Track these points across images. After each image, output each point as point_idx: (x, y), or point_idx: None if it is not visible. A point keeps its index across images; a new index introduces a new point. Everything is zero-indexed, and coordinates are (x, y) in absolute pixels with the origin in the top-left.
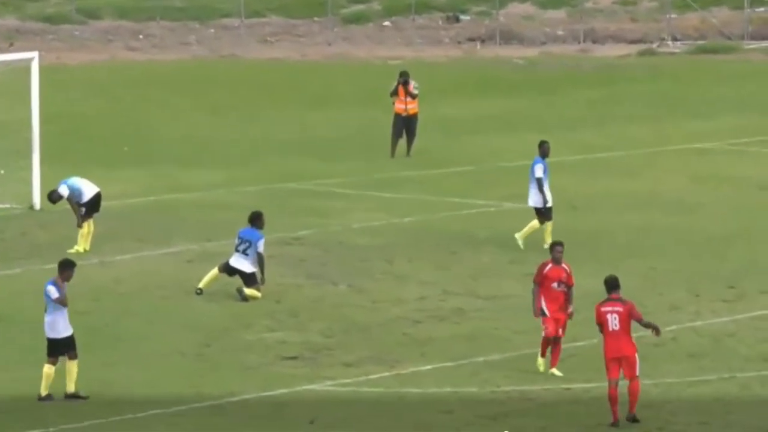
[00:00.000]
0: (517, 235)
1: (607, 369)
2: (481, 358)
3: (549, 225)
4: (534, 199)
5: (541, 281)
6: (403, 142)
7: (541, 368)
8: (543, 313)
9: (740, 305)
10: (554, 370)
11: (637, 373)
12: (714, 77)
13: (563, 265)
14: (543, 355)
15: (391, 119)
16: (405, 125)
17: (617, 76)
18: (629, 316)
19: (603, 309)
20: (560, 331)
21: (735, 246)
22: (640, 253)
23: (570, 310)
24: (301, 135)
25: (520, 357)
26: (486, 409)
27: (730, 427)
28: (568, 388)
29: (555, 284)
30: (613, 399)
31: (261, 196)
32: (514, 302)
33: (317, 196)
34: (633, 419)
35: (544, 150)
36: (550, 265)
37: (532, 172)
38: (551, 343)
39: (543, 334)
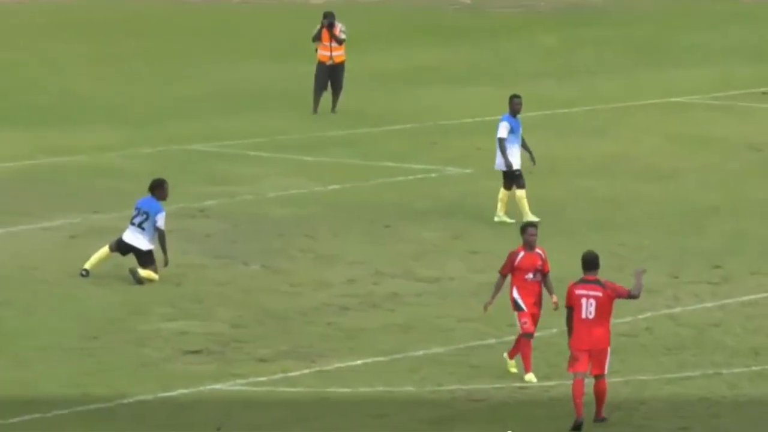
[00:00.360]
0: (496, 217)
1: (574, 360)
2: (420, 352)
3: (521, 195)
4: (498, 162)
5: (511, 272)
6: (327, 95)
7: (513, 369)
8: (518, 307)
9: (727, 288)
10: (529, 376)
11: (606, 371)
12: (696, 20)
13: (537, 250)
14: (513, 356)
15: (313, 69)
16: (330, 76)
17: (581, 19)
18: (610, 301)
19: (578, 291)
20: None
21: (720, 218)
22: (608, 227)
23: (554, 299)
24: (206, 89)
25: (466, 350)
26: (426, 412)
27: None
28: (523, 387)
29: (530, 275)
30: (578, 392)
31: (159, 161)
32: (458, 286)
33: (226, 160)
34: (600, 419)
35: (513, 106)
36: (522, 253)
37: (497, 131)
38: (530, 344)
39: (520, 330)
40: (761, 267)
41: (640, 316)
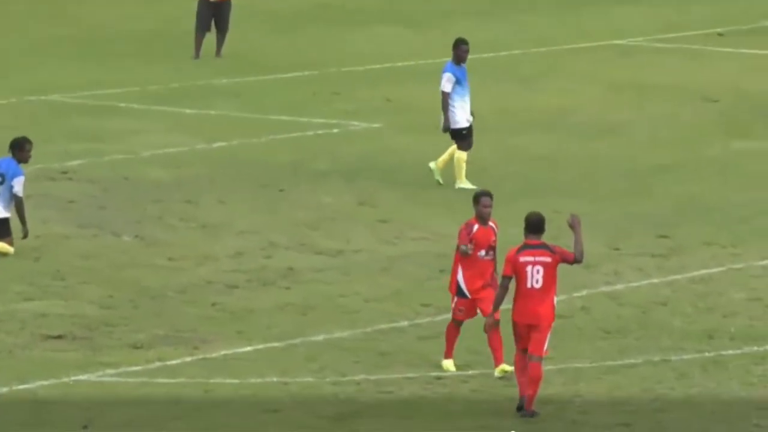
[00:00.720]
0: (457, 185)
1: (516, 337)
2: (320, 337)
3: (462, 157)
4: (451, 120)
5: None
6: (211, 37)
7: (452, 369)
8: (461, 294)
9: (675, 262)
10: (504, 366)
11: (544, 355)
12: None
13: (491, 223)
14: (450, 353)
15: (194, 7)
16: (214, 14)
17: None
18: (556, 267)
19: (522, 258)
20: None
21: (669, 179)
22: (540, 190)
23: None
24: (68, 30)
25: (373, 335)
26: (326, 406)
27: (661, 431)
28: (439, 378)
29: (482, 252)
30: (522, 369)
31: (12, 113)
32: (365, 259)
33: (91, 113)
34: (529, 416)
35: (459, 53)
36: (476, 226)
37: (440, 83)
38: (450, 327)
39: (452, 316)
40: (715, 236)
41: (576, 294)
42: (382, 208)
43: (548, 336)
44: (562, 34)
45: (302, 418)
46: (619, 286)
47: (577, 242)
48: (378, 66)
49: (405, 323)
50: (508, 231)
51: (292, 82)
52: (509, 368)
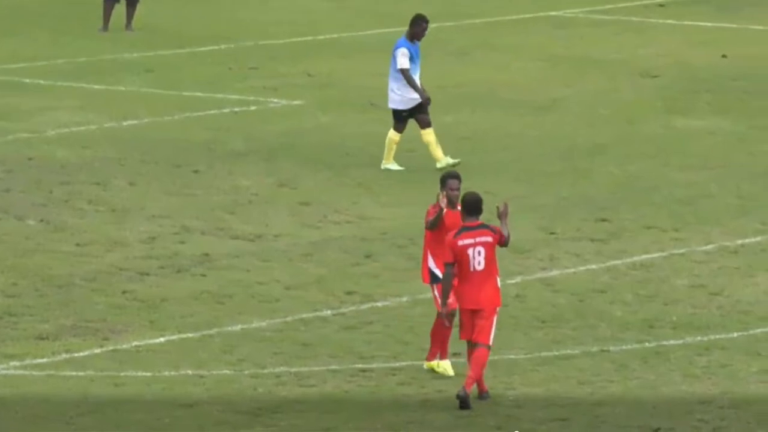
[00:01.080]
0: (438, 164)
1: (460, 326)
2: (237, 327)
3: (430, 135)
4: (394, 99)
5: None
6: (121, 8)
7: (450, 371)
8: (435, 279)
9: (615, 246)
10: (433, 364)
11: (491, 342)
12: None
13: (459, 206)
14: (445, 353)
15: None
16: None
17: None
18: (495, 247)
19: (462, 242)
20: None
21: (607, 159)
22: (471, 171)
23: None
24: None
25: (295, 324)
26: (245, 401)
27: (596, 427)
28: (365, 370)
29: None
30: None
31: None
32: (285, 245)
33: None
34: (463, 400)
35: (416, 31)
36: (444, 209)
37: (394, 60)
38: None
39: (439, 310)
40: (656, 220)
41: (509, 281)
42: (304, 191)
43: (494, 322)
44: (495, 5)
45: (219, 413)
46: (554, 273)
47: (504, 227)
48: (298, 39)
49: (328, 312)
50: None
51: (207, 57)
52: (446, 369)
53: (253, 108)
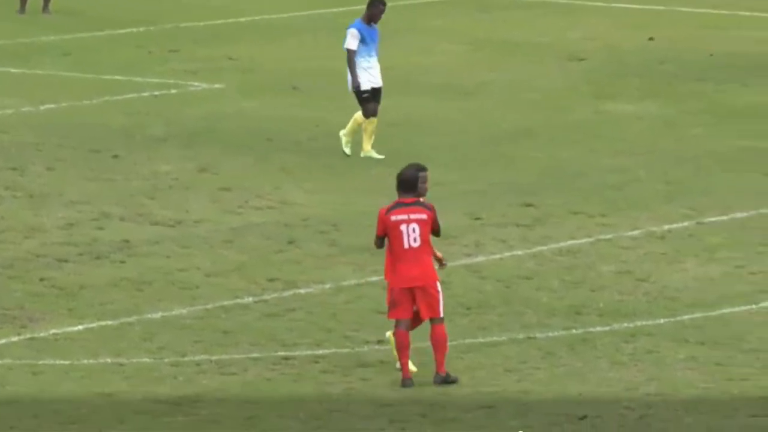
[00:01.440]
0: (363, 154)
1: (395, 305)
2: (157, 314)
3: (371, 124)
4: (349, 80)
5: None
6: None
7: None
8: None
9: (541, 232)
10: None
11: (442, 314)
12: None
13: (423, 200)
14: (407, 358)
15: None
16: None
17: None
18: (432, 226)
19: (394, 217)
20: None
21: (533, 144)
22: (393, 157)
23: (440, 254)
24: None
25: (216, 312)
26: (165, 388)
27: (523, 415)
28: (288, 358)
29: None
30: (402, 345)
31: None
32: (206, 231)
33: None
34: (445, 380)
35: (373, 12)
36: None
37: (344, 40)
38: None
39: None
40: (583, 205)
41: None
42: (225, 176)
43: (441, 297)
44: None
45: (139, 402)
46: (480, 259)
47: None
48: (220, 21)
49: (249, 299)
50: (354, 207)
51: (126, 39)
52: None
53: (173, 92)
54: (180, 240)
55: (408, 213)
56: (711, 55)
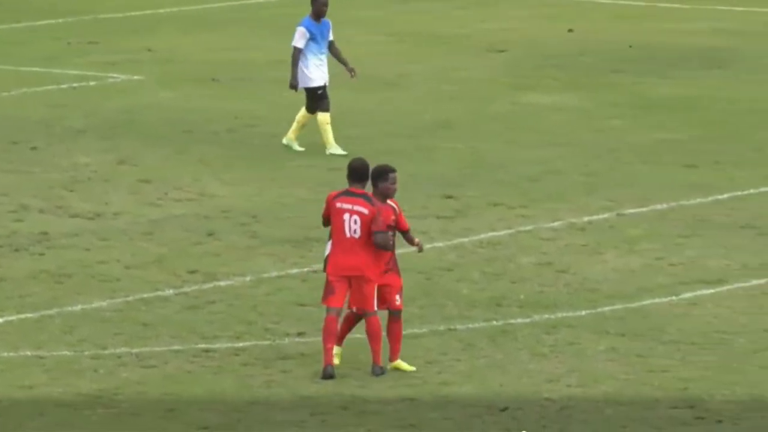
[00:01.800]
0: (285, 140)
1: (329, 291)
2: (77, 307)
3: (324, 119)
4: (305, 78)
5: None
6: None
7: (408, 366)
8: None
9: (461, 224)
10: (399, 363)
11: (376, 309)
12: None
13: (389, 202)
14: (332, 344)
15: None
16: None
17: None
18: (372, 222)
19: (339, 204)
20: (398, 299)
21: (454, 137)
22: (313, 149)
23: (417, 241)
24: None
25: (136, 304)
26: (85, 382)
27: (443, 407)
28: (208, 350)
29: None
30: (329, 332)
31: None
32: (125, 224)
33: None
34: (383, 371)
35: (316, 8)
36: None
37: (293, 38)
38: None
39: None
40: (503, 197)
41: None
42: (144, 168)
43: (376, 288)
44: None
45: (59, 395)
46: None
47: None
48: (139, 13)
49: (170, 292)
50: (280, 193)
51: (45, 31)
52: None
53: (92, 83)
54: (99, 232)
55: (353, 204)
56: (630, 46)
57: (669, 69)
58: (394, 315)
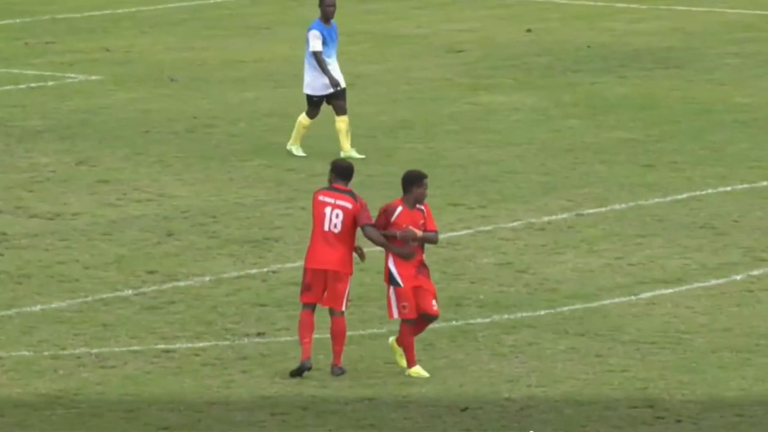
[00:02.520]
0: (342, 154)
1: (306, 287)
2: (36, 307)
3: (343, 123)
4: (308, 83)
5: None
6: None
7: (425, 374)
8: (394, 281)
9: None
10: (416, 369)
11: (344, 309)
12: None
13: (419, 206)
14: (412, 360)
15: None
16: None
17: None
18: (356, 220)
19: (322, 197)
20: (435, 305)
21: (411, 138)
22: (272, 149)
23: (417, 234)
24: None
25: (95, 305)
26: (44, 383)
27: (403, 407)
28: (168, 351)
29: None
30: (304, 326)
31: None
32: (84, 224)
33: None
34: (342, 372)
35: (325, 10)
36: (400, 209)
37: (307, 43)
38: (413, 332)
39: (397, 316)
40: (462, 197)
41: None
42: (102, 168)
43: (348, 289)
44: None
45: (18, 395)
46: (367, 250)
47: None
48: (97, 13)
49: (129, 292)
50: (238, 193)
51: (2, 31)
52: (423, 372)
53: (50, 84)
54: (59, 233)
55: (336, 198)
56: (588, 46)
57: (626, 69)
58: (428, 319)
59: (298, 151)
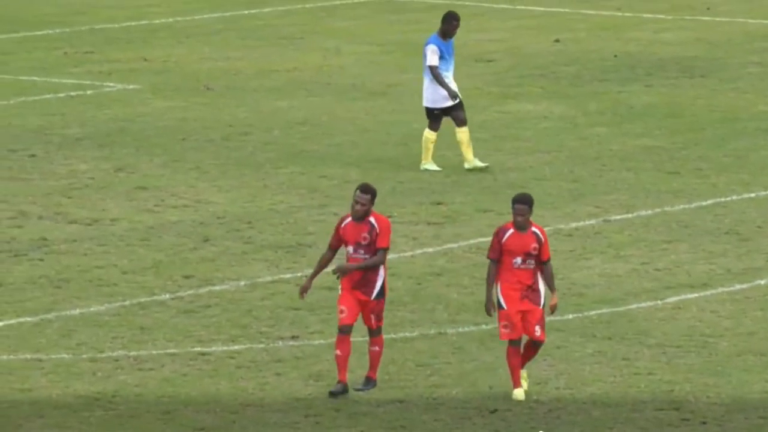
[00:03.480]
0: (466, 165)
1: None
2: (75, 311)
3: (464, 134)
4: (427, 96)
5: (497, 256)
6: None
7: (521, 397)
8: (498, 305)
9: (451, 230)
10: (517, 391)
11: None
12: None
13: (534, 229)
14: (518, 381)
15: None
16: None
17: None
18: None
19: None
20: (537, 330)
21: (442, 145)
22: (305, 156)
23: (554, 300)
24: None
25: (132, 309)
26: (83, 385)
27: (434, 409)
28: (204, 353)
29: (518, 260)
30: (341, 348)
31: None
32: (122, 230)
33: None
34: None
35: (449, 28)
36: (511, 231)
37: (424, 57)
38: (518, 353)
39: (501, 338)
40: (491, 203)
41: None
42: (140, 175)
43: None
44: None
45: (58, 397)
46: (392, 257)
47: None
48: (134, 23)
49: (166, 296)
50: (273, 199)
51: (41, 41)
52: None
53: (89, 92)
54: (97, 238)
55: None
56: (615, 56)
57: (652, 78)
58: (533, 344)
59: (432, 166)
